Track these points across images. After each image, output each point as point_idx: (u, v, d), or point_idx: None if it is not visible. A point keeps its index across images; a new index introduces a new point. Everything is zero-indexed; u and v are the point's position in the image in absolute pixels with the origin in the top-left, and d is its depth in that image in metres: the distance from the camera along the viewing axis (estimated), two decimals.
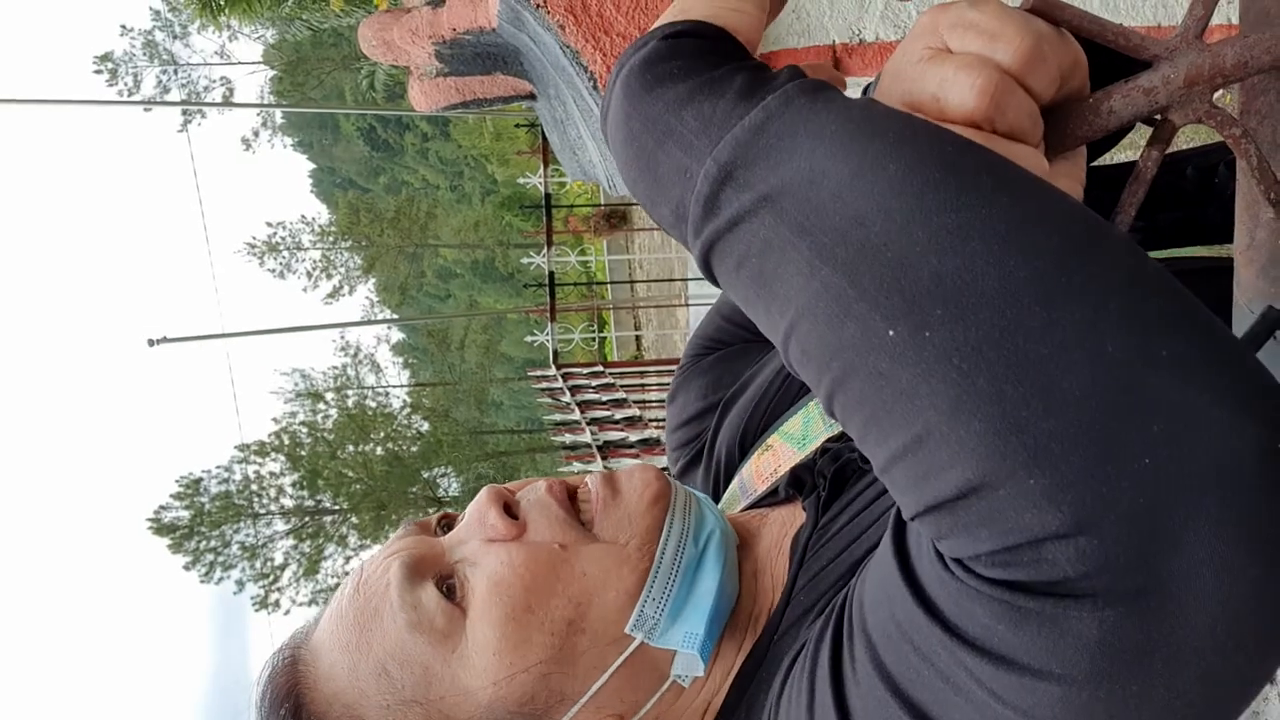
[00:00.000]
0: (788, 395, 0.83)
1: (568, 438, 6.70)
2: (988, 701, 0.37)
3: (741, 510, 0.79)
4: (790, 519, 0.72)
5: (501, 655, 0.61)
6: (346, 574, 0.74)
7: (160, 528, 20.84)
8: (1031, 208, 0.37)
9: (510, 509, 0.67)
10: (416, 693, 0.63)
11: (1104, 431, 0.33)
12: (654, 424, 6.05)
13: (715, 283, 0.47)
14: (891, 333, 0.36)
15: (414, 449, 22.24)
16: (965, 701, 0.38)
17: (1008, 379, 0.34)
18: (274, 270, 26.46)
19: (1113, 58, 0.49)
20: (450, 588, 0.64)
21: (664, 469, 0.96)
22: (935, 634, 0.39)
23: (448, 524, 0.71)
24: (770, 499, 0.77)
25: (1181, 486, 0.33)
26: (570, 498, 0.68)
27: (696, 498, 0.71)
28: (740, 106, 0.44)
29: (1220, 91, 0.45)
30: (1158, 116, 0.46)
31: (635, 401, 6.73)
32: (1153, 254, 0.82)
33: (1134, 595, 0.33)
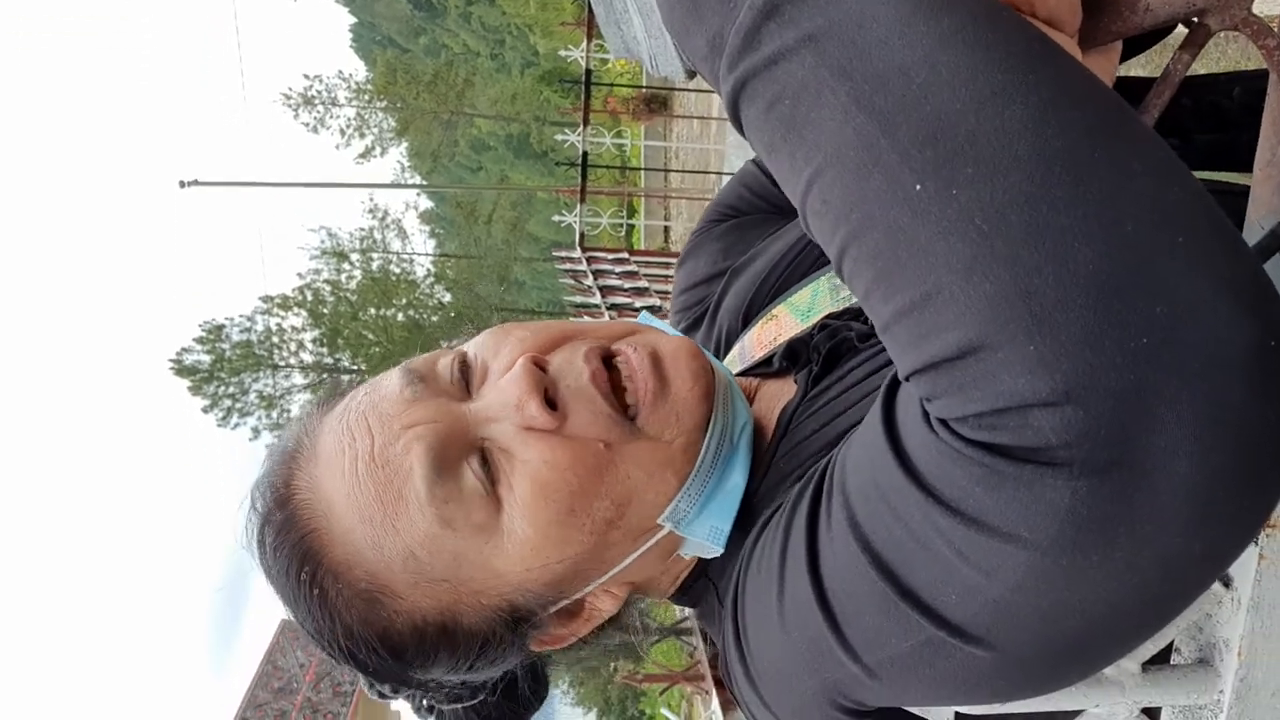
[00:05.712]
0: (800, 268, 0.83)
1: (586, 320, 6.72)
2: (953, 561, 0.39)
3: (735, 375, 0.80)
4: (781, 392, 0.73)
5: (539, 550, 0.62)
6: (352, 392, 0.70)
7: (181, 369, 21.26)
8: (1072, 83, 0.37)
9: (549, 392, 0.62)
10: (446, 573, 0.63)
11: (1109, 306, 0.34)
12: None
13: (739, 125, 0.46)
14: (919, 187, 0.36)
15: (434, 318, 22.35)
16: (932, 560, 0.41)
17: (1025, 244, 0.34)
18: (308, 124, 26.20)
19: None
20: (483, 464, 0.62)
21: None
22: (912, 494, 0.41)
23: (464, 368, 0.67)
24: (764, 369, 0.77)
25: (1173, 369, 0.33)
26: (608, 365, 0.64)
27: (728, 380, 0.71)
28: None
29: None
30: (1194, 20, 0.46)
31: (658, 292, 6.73)
32: None
33: (1108, 468, 0.35)
